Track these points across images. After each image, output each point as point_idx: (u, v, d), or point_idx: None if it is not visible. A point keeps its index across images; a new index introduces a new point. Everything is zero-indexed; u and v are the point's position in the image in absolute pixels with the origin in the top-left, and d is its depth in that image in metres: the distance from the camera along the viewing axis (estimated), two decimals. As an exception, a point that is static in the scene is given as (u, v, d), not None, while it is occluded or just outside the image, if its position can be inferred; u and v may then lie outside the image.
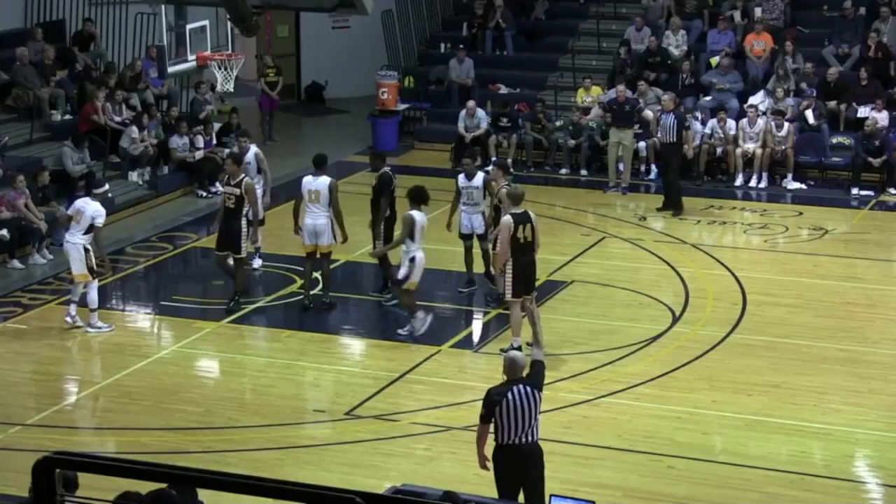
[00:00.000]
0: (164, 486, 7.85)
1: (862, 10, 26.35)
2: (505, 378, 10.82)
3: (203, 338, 16.44)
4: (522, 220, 15.18)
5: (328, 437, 13.75)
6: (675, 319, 16.98)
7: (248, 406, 14.56)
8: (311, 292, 17.33)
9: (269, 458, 13.18)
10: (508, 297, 15.36)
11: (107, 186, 17.88)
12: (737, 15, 26.94)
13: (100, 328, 16.56)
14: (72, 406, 14.78)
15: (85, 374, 15.66)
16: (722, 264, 19.23)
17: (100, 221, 16.48)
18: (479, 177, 17.82)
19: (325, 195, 16.89)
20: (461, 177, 18.10)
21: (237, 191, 17.07)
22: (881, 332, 16.79)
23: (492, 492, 11.29)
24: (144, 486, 7.87)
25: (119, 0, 25.34)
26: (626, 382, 14.89)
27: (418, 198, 16.35)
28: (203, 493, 8.15)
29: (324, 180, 16.97)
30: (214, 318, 17.13)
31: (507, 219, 15.21)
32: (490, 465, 10.89)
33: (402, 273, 16.16)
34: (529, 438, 10.67)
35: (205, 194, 23.30)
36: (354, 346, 16.72)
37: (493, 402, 10.64)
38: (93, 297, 16.51)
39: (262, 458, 13.21)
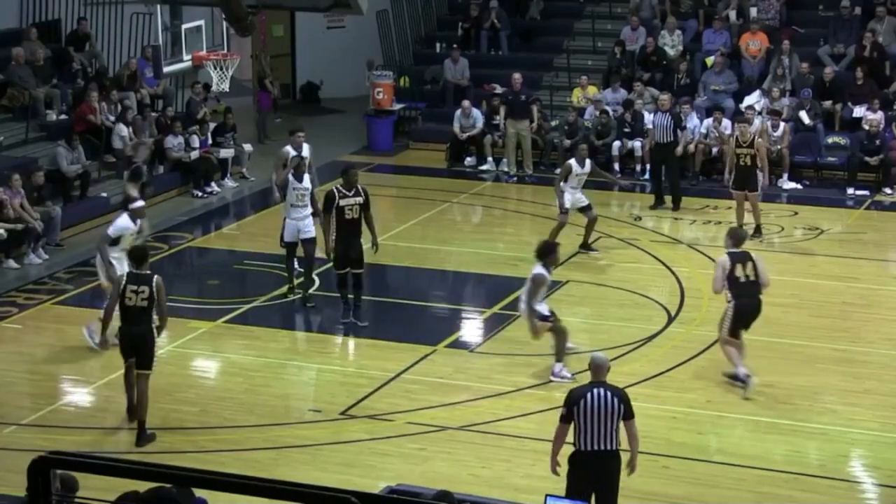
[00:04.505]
0: (158, 485, 7.84)
1: (857, 10, 26.36)
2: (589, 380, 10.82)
3: (198, 338, 16.44)
4: (741, 259, 14.64)
5: (323, 436, 13.75)
6: (671, 319, 16.99)
7: (244, 406, 14.55)
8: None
9: (264, 458, 13.17)
10: (724, 332, 14.74)
11: (141, 203, 16.87)
12: (732, 15, 26.95)
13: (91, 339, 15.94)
14: (67, 406, 14.77)
15: (80, 374, 15.64)
16: (717, 264, 19.23)
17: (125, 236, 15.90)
18: (588, 163, 19.66)
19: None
20: (575, 163, 19.37)
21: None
22: (877, 331, 16.80)
23: (487, 491, 11.31)
24: (140, 486, 7.87)
25: (114, 0, 25.33)
26: (621, 382, 14.74)
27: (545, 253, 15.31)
28: (198, 493, 8.15)
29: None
30: (209, 317, 17.13)
31: (723, 258, 14.71)
32: (560, 469, 10.80)
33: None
34: (608, 445, 10.57)
35: (200, 194, 23.30)
36: (350, 345, 16.71)
37: (572, 402, 10.57)
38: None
39: (258, 457, 13.21)
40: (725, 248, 15.02)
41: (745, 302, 14.62)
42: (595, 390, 10.60)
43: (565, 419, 10.66)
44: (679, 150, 23.22)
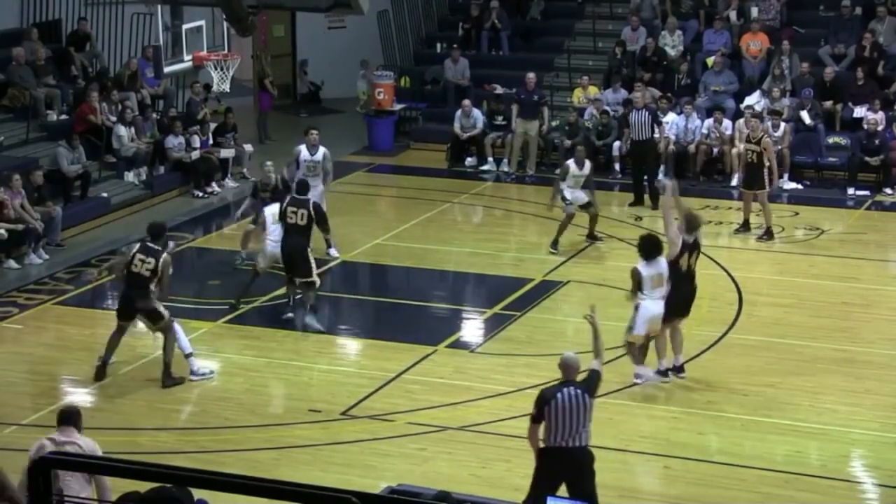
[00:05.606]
0: (159, 485, 7.84)
1: (858, 10, 26.36)
2: (560, 379, 10.89)
3: (199, 338, 16.41)
4: (691, 249, 14.66)
5: (324, 437, 13.75)
6: (671, 319, 16.96)
7: (244, 406, 14.55)
8: None
9: (265, 459, 13.18)
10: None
11: (171, 244, 16.25)
12: (733, 15, 26.95)
13: (203, 375, 15.22)
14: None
15: (80, 375, 15.63)
16: (718, 264, 19.22)
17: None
18: (588, 165, 19.93)
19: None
20: (573, 164, 19.66)
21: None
22: (877, 332, 16.80)
23: (487, 491, 11.30)
24: (141, 487, 7.87)
25: (115, 0, 25.33)
26: (621, 382, 14.88)
27: (647, 249, 14.82)
28: (199, 494, 8.16)
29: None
30: (210, 317, 17.13)
31: (678, 242, 14.62)
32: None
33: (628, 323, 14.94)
34: (578, 442, 10.67)
35: (201, 194, 23.31)
36: (350, 346, 16.72)
37: (543, 402, 10.67)
38: (181, 343, 15.19)
39: (258, 458, 13.21)
40: (679, 232, 14.76)
41: (682, 290, 14.68)
42: (566, 389, 10.73)
43: (536, 420, 10.79)
44: (661, 145, 23.23)
